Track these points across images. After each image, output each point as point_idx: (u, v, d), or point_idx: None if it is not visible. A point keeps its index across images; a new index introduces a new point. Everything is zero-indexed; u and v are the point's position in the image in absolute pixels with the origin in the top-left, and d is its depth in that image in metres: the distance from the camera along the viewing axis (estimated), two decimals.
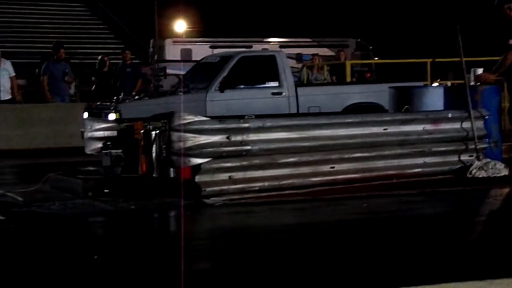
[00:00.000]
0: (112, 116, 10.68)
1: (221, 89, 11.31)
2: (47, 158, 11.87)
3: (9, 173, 11.02)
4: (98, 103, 12.12)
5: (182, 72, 15.09)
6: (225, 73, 11.47)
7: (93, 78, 16.36)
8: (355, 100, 12.16)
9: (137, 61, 25.57)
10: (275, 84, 11.77)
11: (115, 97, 11.70)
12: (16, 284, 5.01)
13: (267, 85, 11.76)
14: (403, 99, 9.94)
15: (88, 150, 9.20)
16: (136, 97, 12.00)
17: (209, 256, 5.81)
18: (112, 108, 10.85)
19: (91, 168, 9.05)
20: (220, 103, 11.21)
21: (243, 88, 11.58)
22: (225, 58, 11.91)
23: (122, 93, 12.55)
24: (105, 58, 16.13)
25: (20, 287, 4.96)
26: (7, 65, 14.39)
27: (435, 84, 14.37)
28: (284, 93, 11.73)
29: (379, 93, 12.15)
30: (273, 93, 11.70)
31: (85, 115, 11.43)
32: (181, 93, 11.41)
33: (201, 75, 12.11)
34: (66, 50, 15.51)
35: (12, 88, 14.33)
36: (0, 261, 5.65)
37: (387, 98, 10.74)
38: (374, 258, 5.51)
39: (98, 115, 11.07)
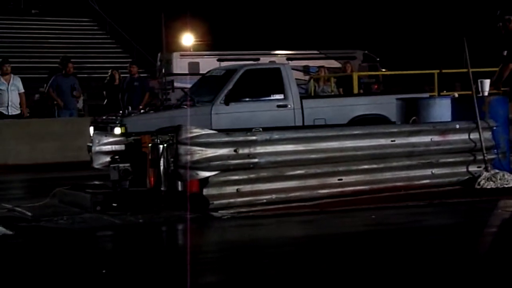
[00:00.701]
0: (117, 130, 10.71)
1: (226, 102, 11.32)
2: (55, 172, 11.91)
3: (18, 188, 11.05)
4: (104, 117, 12.15)
5: (190, 86, 15.12)
6: (230, 86, 11.49)
7: (104, 92, 16.44)
8: (361, 112, 12.15)
9: (145, 75, 25.66)
10: (281, 96, 11.77)
11: (121, 111, 11.73)
12: None
13: (272, 97, 11.76)
14: (410, 110, 9.93)
15: (96, 164, 9.22)
16: (142, 111, 12.04)
17: (217, 269, 5.81)
18: (117, 122, 10.88)
19: (98, 182, 9.06)
20: (226, 116, 11.21)
21: (248, 101, 11.59)
22: (230, 71, 11.93)
23: (129, 107, 12.59)
24: (115, 72, 16.21)
25: None
26: (17, 81, 14.48)
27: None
28: (289, 106, 11.73)
29: (384, 105, 12.14)
30: (279, 106, 11.71)
31: (91, 129, 11.46)
32: (186, 107, 11.42)
33: (206, 88, 12.13)
34: (74, 65, 15.59)
35: (21, 104, 14.40)
36: (9, 276, 5.66)
37: (392, 109, 10.74)
38: (383, 271, 5.49)
39: (104, 129, 11.10)
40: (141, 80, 15.27)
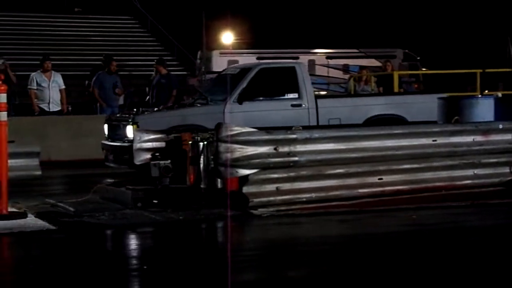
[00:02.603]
0: (129, 128, 10.70)
1: (240, 101, 11.14)
2: (96, 168, 12.03)
3: (60, 184, 11.20)
4: (118, 115, 12.18)
5: None
6: (244, 85, 11.31)
7: (146, 88, 16.54)
8: (377, 112, 11.87)
9: (185, 72, 25.77)
10: (295, 95, 11.59)
11: (135, 109, 11.68)
12: None
13: (286, 96, 11.58)
14: (452, 110, 9.83)
15: (137, 161, 9.29)
16: (155, 109, 11.97)
17: (257, 267, 5.82)
18: (130, 120, 10.87)
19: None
20: (239, 115, 11.04)
21: (262, 100, 11.42)
22: (245, 70, 11.78)
23: (160, 104, 12.59)
24: (160, 68, 16.25)
25: None
26: (58, 77, 14.65)
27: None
28: (304, 105, 11.51)
29: (401, 105, 11.93)
30: (293, 105, 11.49)
31: (105, 126, 11.49)
32: (199, 105, 11.34)
33: (220, 87, 12.01)
34: (116, 63, 15.71)
35: (61, 100, 14.58)
36: (51, 270, 5.74)
37: (409, 109, 10.61)
38: (421, 272, 5.45)
39: (117, 126, 11.10)
40: (169, 77, 15.31)
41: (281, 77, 11.64)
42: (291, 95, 11.57)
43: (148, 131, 9.34)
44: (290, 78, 11.60)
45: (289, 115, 11.28)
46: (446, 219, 7.62)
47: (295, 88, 11.60)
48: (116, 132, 11.11)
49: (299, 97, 11.55)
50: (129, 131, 10.64)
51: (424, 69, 29.87)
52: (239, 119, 10.98)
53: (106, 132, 11.42)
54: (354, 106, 11.98)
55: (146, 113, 11.17)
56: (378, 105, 12.02)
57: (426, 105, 11.70)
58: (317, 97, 12.11)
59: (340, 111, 11.71)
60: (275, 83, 11.60)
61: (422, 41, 35.42)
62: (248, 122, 10.63)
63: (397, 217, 7.70)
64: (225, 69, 13.15)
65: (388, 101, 12.26)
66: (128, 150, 10.58)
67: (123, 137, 10.83)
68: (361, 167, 8.42)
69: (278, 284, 5.19)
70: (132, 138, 10.39)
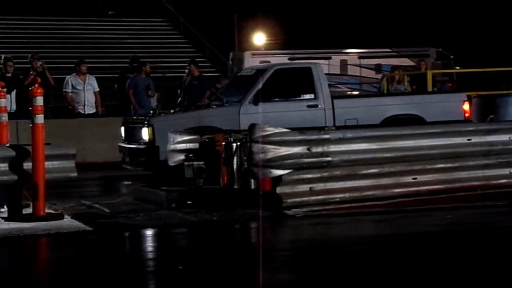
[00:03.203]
0: (145, 131, 10.74)
1: (255, 102, 11.07)
2: (130, 170, 12.11)
3: (95, 185, 11.32)
4: (135, 117, 12.20)
5: None
6: (259, 86, 11.19)
7: (178, 91, 16.61)
8: (394, 112, 11.63)
9: (217, 74, 25.86)
10: (311, 96, 11.49)
11: (151, 111, 11.70)
12: None
13: (302, 97, 11.48)
14: (487, 108, 9.74)
15: (171, 162, 9.34)
16: (172, 111, 11.97)
17: (291, 267, 5.82)
18: (145, 122, 10.90)
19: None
20: (254, 116, 10.93)
21: (277, 101, 11.29)
22: (260, 71, 11.71)
23: (192, 106, 12.65)
24: (193, 67, 16.32)
25: None
26: (92, 80, 14.81)
27: None
28: (320, 106, 11.38)
29: (419, 104, 11.76)
30: (309, 106, 11.37)
31: (122, 129, 11.55)
32: (214, 107, 11.32)
33: (236, 88, 11.95)
34: (149, 65, 15.82)
35: (96, 102, 14.72)
36: (88, 270, 5.81)
37: (427, 109, 10.44)
38: (458, 273, 5.40)
39: (134, 129, 11.12)
40: (201, 79, 15.36)
41: (297, 78, 11.50)
42: (307, 96, 11.46)
43: (182, 133, 9.39)
44: (306, 78, 11.48)
45: (305, 116, 11.09)
46: (482, 218, 7.55)
47: (311, 89, 11.48)
48: (132, 135, 11.15)
49: (315, 98, 11.41)
50: (145, 133, 10.69)
51: (457, 67, 29.60)
52: (254, 120, 10.85)
53: (122, 134, 11.49)
54: (371, 106, 11.76)
55: (161, 115, 11.18)
56: (396, 105, 11.81)
57: (444, 105, 11.57)
58: (334, 97, 11.93)
59: (357, 111, 11.52)
60: (290, 84, 11.48)
61: (456, 40, 35.10)
62: (264, 123, 10.52)
63: (432, 216, 7.65)
64: (242, 70, 13.06)
65: (406, 101, 12.05)
66: (144, 152, 10.65)
67: (138, 140, 10.88)
68: (395, 166, 8.38)
69: (312, 284, 5.19)
70: (147, 141, 10.49)
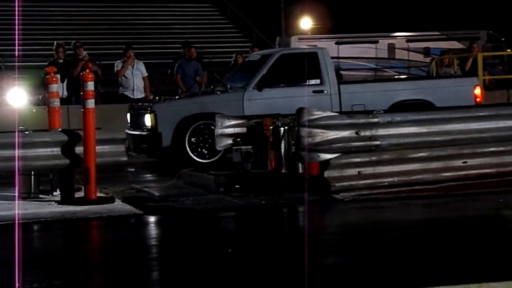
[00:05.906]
0: (147, 118, 10.75)
1: (259, 88, 10.94)
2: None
3: (144, 170, 11.44)
4: (140, 103, 12.22)
5: None
6: (263, 72, 11.05)
7: (227, 75, 16.66)
8: (402, 97, 11.33)
9: None
10: (317, 81, 11.31)
11: (156, 97, 11.66)
12: (153, 272, 5.23)
13: (308, 83, 11.30)
14: None
15: (219, 147, 9.40)
16: (176, 97, 11.94)
17: (340, 250, 5.83)
18: (148, 108, 10.90)
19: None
20: (258, 102, 10.82)
21: (282, 86, 11.10)
22: (266, 56, 11.57)
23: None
24: (238, 57, 16.37)
25: (161, 275, 5.18)
26: (140, 65, 14.93)
27: None
28: (326, 91, 11.17)
29: (428, 89, 11.51)
30: (315, 91, 11.21)
31: (128, 115, 11.57)
32: (218, 93, 11.25)
33: (241, 74, 11.81)
34: (194, 49, 15.83)
35: (145, 87, 14.85)
36: (140, 253, 5.90)
37: (437, 94, 10.21)
38: (507, 257, 5.34)
39: (138, 115, 11.14)
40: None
41: (303, 63, 11.26)
42: (312, 81, 11.28)
43: (229, 117, 9.43)
44: (312, 64, 11.28)
45: (311, 101, 10.81)
46: None
47: (317, 74, 11.29)
48: (137, 121, 11.19)
49: (321, 83, 11.23)
50: (147, 120, 10.71)
51: (509, 50, 29.02)
52: (259, 106, 10.76)
53: (128, 121, 11.55)
54: (379, 91, 11.48)
55: (165, 101, 11.16)
56: (405, 90, 11.56)
57: (455, 90, 11.35)
58: (340, 82, 11.72)
59: (364, 96, 11.26)
60: (296, 69, 11.27)
61: (507, 22, 34.40)
62: (268, 109, 10.39)
63: (483, 200, 7.57)
64: (249, 55, 12.94)
65: (414, 86, 11.80)
66: (147, 138, 10.67)
67: (142, 126, 10.92)
68: (445, 150, 8.30)
69: (360, 268, 5.19)
70: (150, 127, 10.50)
